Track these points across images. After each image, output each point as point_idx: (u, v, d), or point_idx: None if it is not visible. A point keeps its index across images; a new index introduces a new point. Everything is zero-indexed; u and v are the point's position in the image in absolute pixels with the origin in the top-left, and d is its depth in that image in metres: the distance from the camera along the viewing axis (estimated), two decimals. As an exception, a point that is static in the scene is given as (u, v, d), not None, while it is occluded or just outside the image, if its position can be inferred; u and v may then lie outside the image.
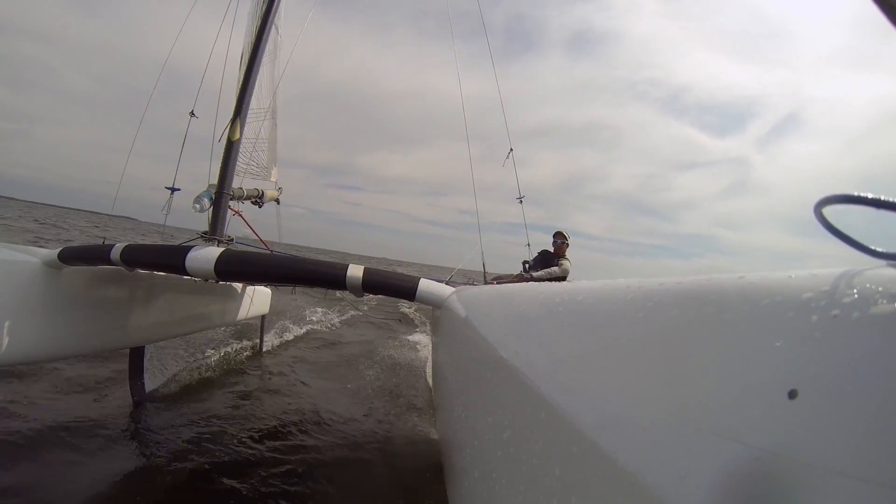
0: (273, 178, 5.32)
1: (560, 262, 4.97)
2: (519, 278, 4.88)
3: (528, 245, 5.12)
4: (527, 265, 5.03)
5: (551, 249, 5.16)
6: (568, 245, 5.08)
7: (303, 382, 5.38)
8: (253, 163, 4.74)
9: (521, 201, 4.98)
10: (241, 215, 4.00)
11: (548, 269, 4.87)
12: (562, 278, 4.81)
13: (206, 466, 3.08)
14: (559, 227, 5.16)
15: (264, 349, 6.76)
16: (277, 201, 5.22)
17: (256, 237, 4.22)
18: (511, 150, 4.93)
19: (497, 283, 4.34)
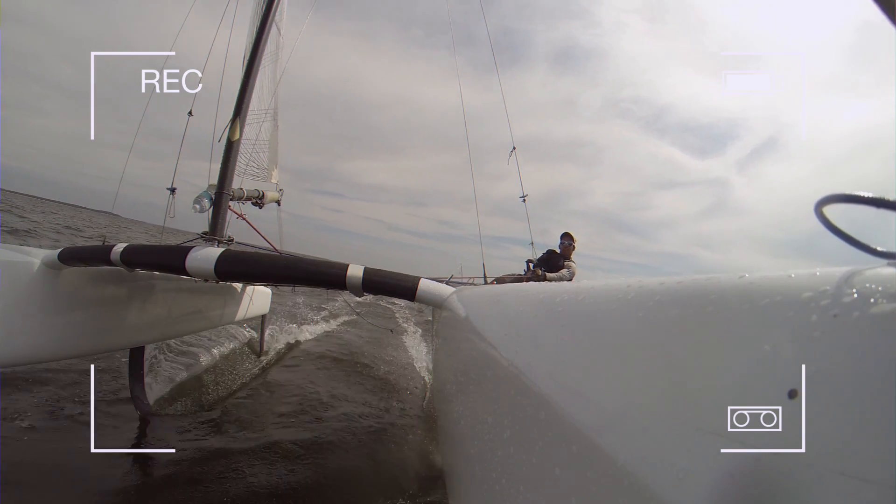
0: (274, 180, 5.32)
1: (567, 263, 4.93)
2: (519, 279, 4.86)
3: (532, 243, 5.10)
4: (531, 264, 5.00)
5: (557, 250, 5.12)
6: (574, 248, 5.03)
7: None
8: (253, 164, 4.74)
9: (525, 200, 4.97)
10: (244, 218, 3.99)
11: (559, 273, 4.84)
12: (569, 280, 4.79)
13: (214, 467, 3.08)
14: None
15: (264, 348, 6.77)
16: (278, 203, 5.21)
17: (263, 239, 4.21)
18: (514, 147, 4.91)
19: (497, 284, 4.33)
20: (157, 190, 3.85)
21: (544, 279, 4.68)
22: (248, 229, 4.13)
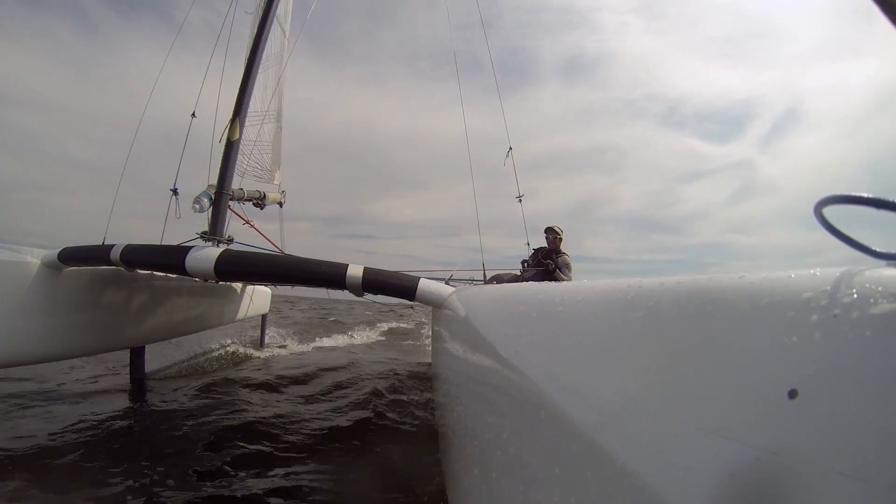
0: (276, 181, 5.31)
1: (561, 257, 4.85)
2: (517, 278, 4.84)
3: (528, 244, 5.12)
4: (526, 264, 4.99)
5: (546, 246, 5.08)
6: (562, 239, 4.91)
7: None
8: (255, 165, 4.74)
9: (521, 200, 4.98)
10: (254, 227, 3.98)
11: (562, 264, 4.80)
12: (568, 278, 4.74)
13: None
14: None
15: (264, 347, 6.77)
16: (280, 204, 5.19)
17: (266, 240, 4.21)
18: (510, 148, 4.93)
19: (496, 283, 4.32)
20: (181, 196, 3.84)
21: (555, 271, 4.62)
22: (249, 230, 4.14)
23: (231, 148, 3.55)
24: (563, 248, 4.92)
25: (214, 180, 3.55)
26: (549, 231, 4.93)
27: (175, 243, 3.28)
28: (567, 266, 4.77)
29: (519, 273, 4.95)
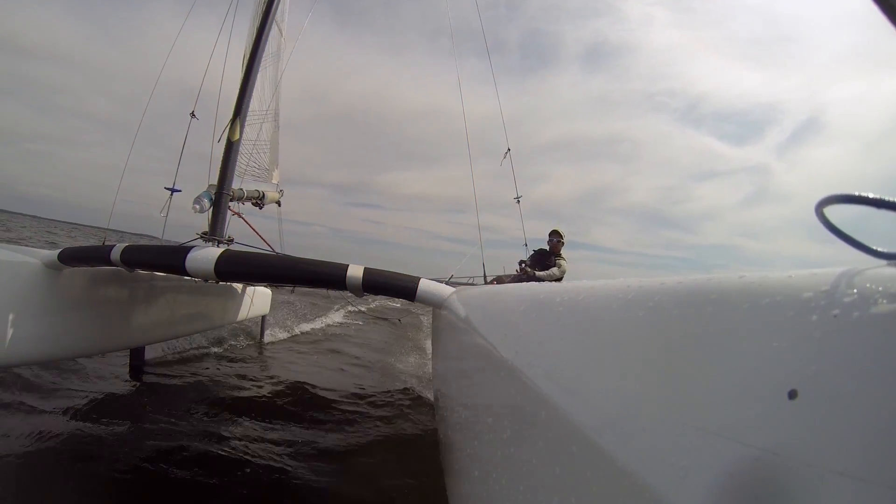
0: (275, 180, 5.32)
1: (557, 261, 4.95)
2: (518, 278, 4.86)
3: (526, 245, 5.15)
4: (524, 264, 5.02)
5: (547, 248, 5.14)
6: (563, 244, 5.04)
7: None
8: (254, 164, 4.75)
9: (518, 201, 5.01)
10: (242, 217, 3.99)
11: (549, 272, 4.86)
12: (559, 279, 4.80)
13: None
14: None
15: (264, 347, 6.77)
16: (279, 203, 5.21)
17: (260, 238, 4.22)
18: (508, 149, 4.94)
19: (496, 283, 4.33)
20: (181, 195, 3.94)
21: (534, 277, 4.70)
22: (249, 230, 4.14)
23: (231, 148, 3.56)
24: (564, 245, 5.03)
25: (214, 180, 3.56)
26: (554, 234, 5.05)
27: (175, 242, 3.29)
28: (563, 273, 4.87)
29: (519, 273, 4.98)
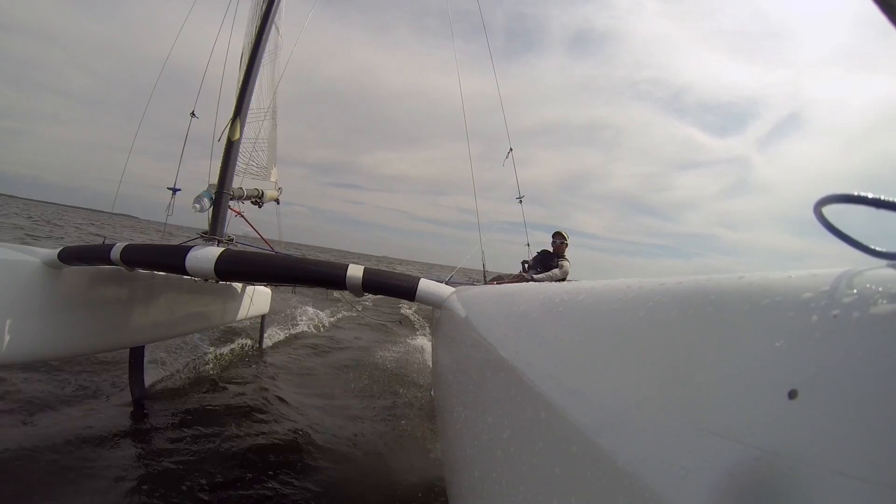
0: (273, 178, 5.33)
1: (560, 262, 4.97)
2: (519, 278, 4.87)
3: (528, 245, 5.14)
4: (526, 265, 5.03)
5: (550, 249, 5.17)
6: (567, 245, 5.09)
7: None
8: (253, 163, 4.75)
9: (521, 201, 4.99)
10: (242, 216, 3.99)
11: (549, 273, 4.87)
12: (561, 280, 4.82)
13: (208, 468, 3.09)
14: (560, 226, 5.17)
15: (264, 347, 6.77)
16: (277, 201, 5.22)
17: (260, 237, 4.22)
18: (511, 149, 4.93)
19: (497, 283, 4.34)
20: (182, 194, 3.92)
21: (532, 280, 4.72)
22: (250, 231, 4.14)
23: (231, 148, 3.56)
24: (568, 247, 5.07)
25: (214, 179, 3.56)
26: (557, 236, 5.11)
27: (175, 240, 3.29)
28: (566, 273, 4.89)
29: (520, 273, 4.99)
